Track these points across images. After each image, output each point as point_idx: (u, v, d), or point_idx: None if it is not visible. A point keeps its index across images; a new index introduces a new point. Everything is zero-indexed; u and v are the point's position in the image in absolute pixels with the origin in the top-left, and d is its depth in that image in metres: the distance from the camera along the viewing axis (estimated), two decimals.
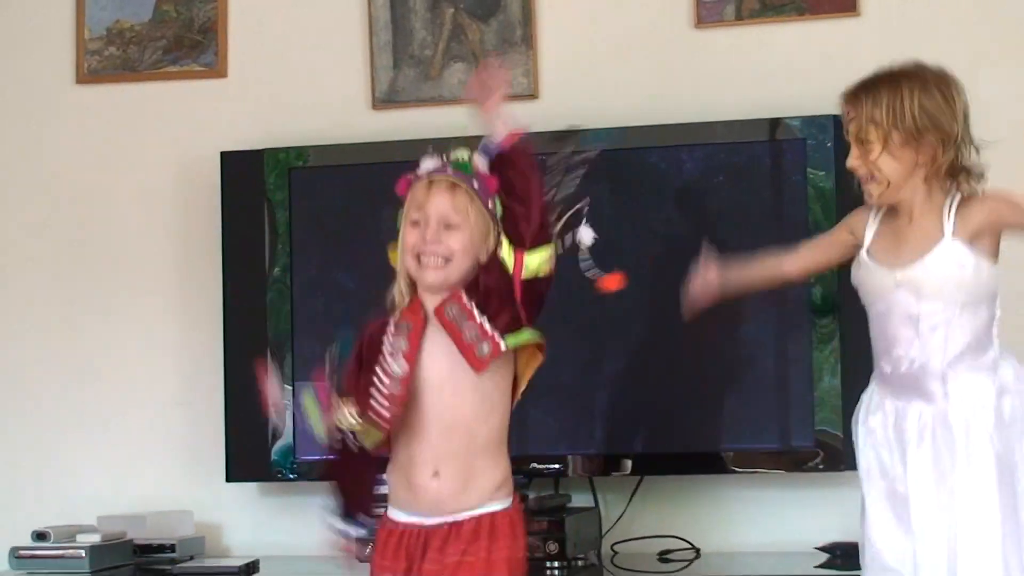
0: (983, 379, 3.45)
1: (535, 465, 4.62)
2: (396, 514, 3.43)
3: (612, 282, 3.45)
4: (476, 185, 3.33)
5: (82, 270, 5.27)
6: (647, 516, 4.73)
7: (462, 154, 3.34)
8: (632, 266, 4.36)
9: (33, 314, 5.32)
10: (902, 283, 3.43)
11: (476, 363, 3.28)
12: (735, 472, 4.65)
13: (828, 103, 4.25)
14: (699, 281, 3.72)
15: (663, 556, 4.60)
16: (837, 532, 4.41)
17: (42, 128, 5.35)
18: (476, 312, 3.32)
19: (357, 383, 3.41)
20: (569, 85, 4.90)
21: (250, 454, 4.87)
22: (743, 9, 4.80)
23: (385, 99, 5.02)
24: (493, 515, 3.33)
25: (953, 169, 3.42)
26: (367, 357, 3.42)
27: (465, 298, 3.36)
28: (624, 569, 4.51)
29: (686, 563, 4.54)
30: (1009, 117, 4.49)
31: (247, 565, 4.63)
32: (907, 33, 4.71)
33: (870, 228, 3.57)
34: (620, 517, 4.71)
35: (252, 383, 4.35)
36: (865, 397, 3.64)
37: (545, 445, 4.69)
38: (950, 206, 3.42)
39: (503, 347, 3.29)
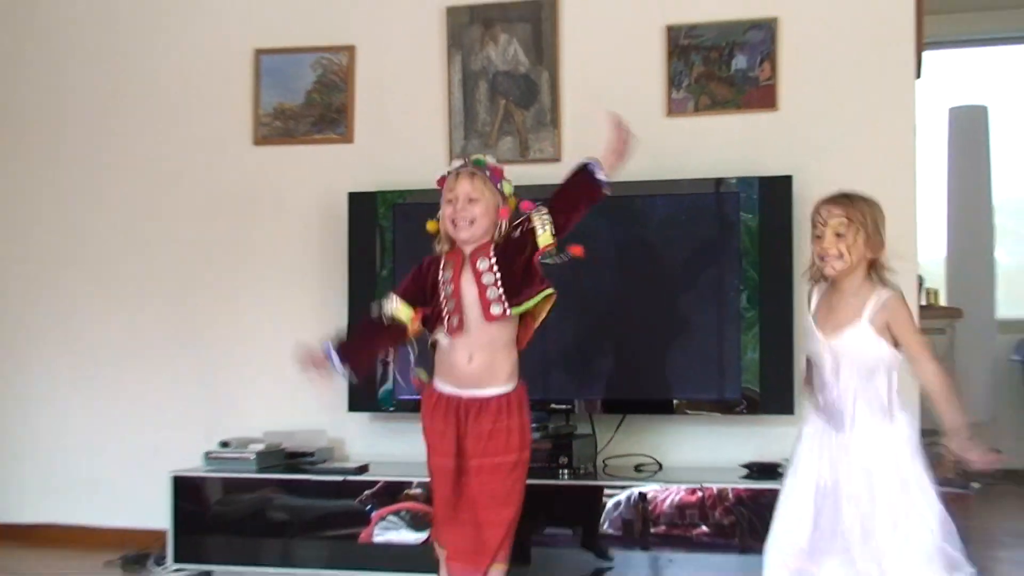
0: (881, 426, 3.50)
1: (553, 406, 4.78)
2: (441, 387, 3.69)
3: (576, 250, 3.67)
4: (488, 174, 3.65)
5: (255, 268, 5.43)
6: (627, 441, 4.89)
7: (479, 155, 3.71)
8: (625, 270, 4.76)
9: (222, 300, 5.47)
10: (829, 348, 3.51)
11: (488, 316, 3.58)
12: (687, 414, 4.79)
13: (755, 169, 4.67)
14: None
15: (637, 467, 4.77)
16: (754, 456, 4.62)
17: (229, 175, 5.48)
18: (498, 277, 3.59)
19: (406, 290, 3.73)
20: (581, 152, 4.43)
21: (364, 393, 4.95)
22: (699, 104, 4.95)
23: (458, 159, 4.90)
24: (508, 395, 3.64)
25: (881, 277, 3.51)
26: (422, 280, 3.70)
27: (493, 258, 3.61)
28: (611, 476, 4.65)
29: (653, 472, 4.71)
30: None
31: (360, 467, 4.82)
32: (808, 123, 4.86)
33: (814, 301, 3.61)
34: (609, 441, 4.87)
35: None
36: (811, 414, 3.64)
37: (560, 393, 4.81)
38: (875, 299, 3.47)
39: (509, 313, 3.59)
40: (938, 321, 7.39)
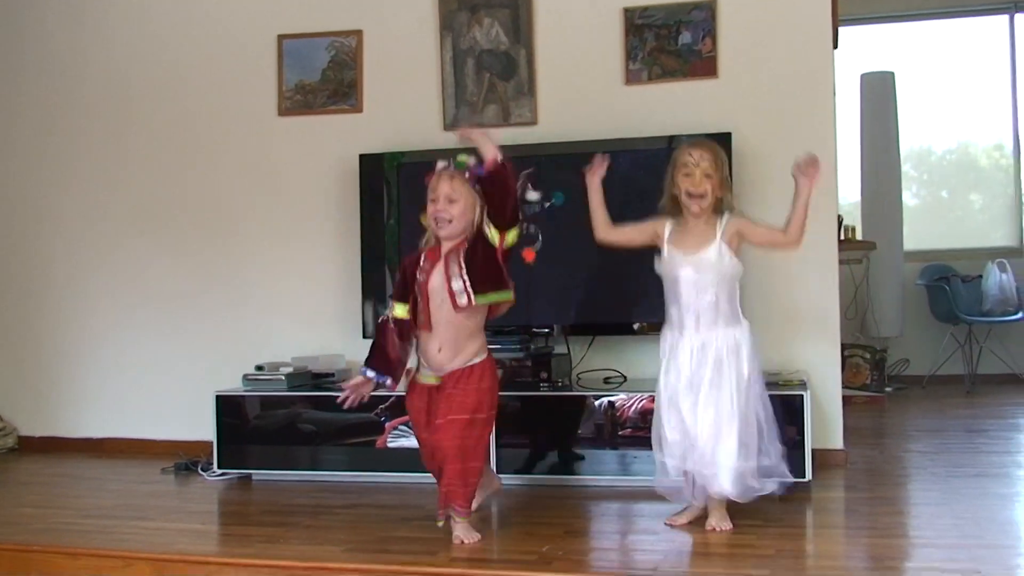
0: (729, 328, 3.58)
1: (534, 329, 4.77)
2: (420, 378, 3.68)
3: (528, 255, 3.69)
4: (468, 176, 3.54)
5: (281, 219, 5.38)
6: (597, 358, 4.88)
7: (462, 158, 3.58)
8: (561, 192, 4.71)
9: (254, 247, 5.44)
10: (690, 263, 3.58)
11: (456, 306, 3.53)
12: (647, 334, 4.67)
13: (700, 128, 4.64)
14: (591, 174, 3.77)
15: (606, 380, 4.77)
16: None
17: (259, 141, 5.44)
18: (464, 272, 3.51)
19: (397, 290, 3.67)
20: (554, 117, 4.98)
21: (377, 323, 4.74)
22: (652, 74, 4.90)
23: (450, 125, 5.08)
24: (472, 366, 3.58)
25: (727, 204, 3.62)
26: (405, 278, 3.64)
27: (463, 258, 3.54)
28: (584, 387, 4.64)
29: (619, 384, 4.70)
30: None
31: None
32: (743, 89, 4.82)
33: (667, 232, 3.67)
34: (582, 358, 4.87)
35: (379, 282, 4.69)
36: (664, 331, 3.72)
37: (541, 317, 4.77)
38: (721, 222, 3.58)
39: (474, 302, 3.53)
40: (855, 252, 7.42)
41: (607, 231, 3.82)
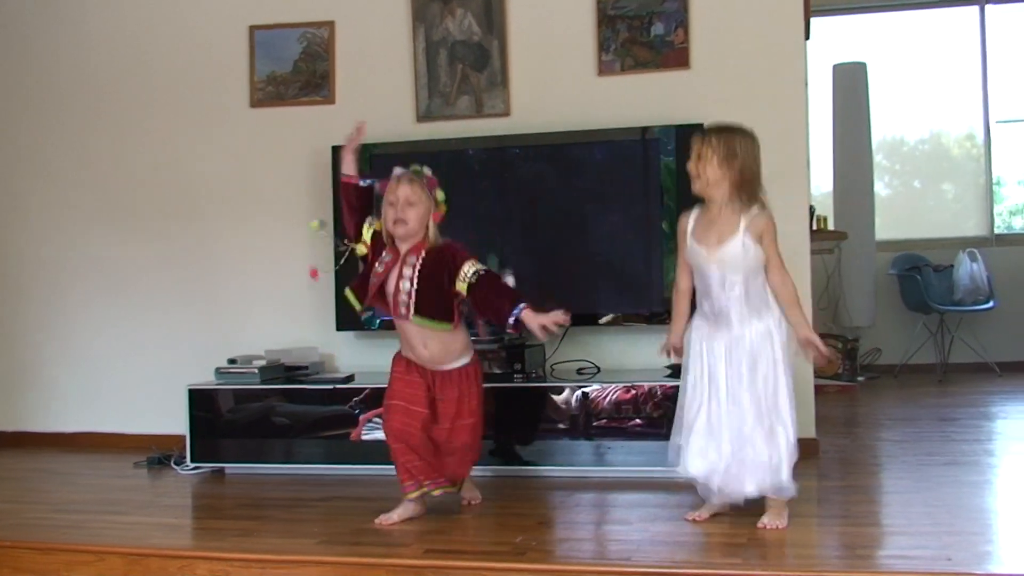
0: (762, 320, 3.52)
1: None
2: (409, 355, 3.76)
3: (313, 273, 3.91)
4: (424, 182, 3.65)
5: (255, 211, 5.36)
6: (570, 349, 4.85)
7: (417, 167, 3.70)
8: (568, 207, 4.76)
9: (228, 239, 5.41)
10: (715, 260, 3.51)
11: (395, 313, 3.68)
12: (620, 324, 4.79)
13: (672, 119, 4.67)
14: (673, 346, 3.71)
15: (579, 371, 4.75)
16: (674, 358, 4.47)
17: (232, 132, 5.41)
18: (415, 284, 3.62)
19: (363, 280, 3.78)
20: (527, 108, 4.98)
21: (350, 315, 4.56)
22: (625, 65, 4.91)
23: (423, 116, 5.11)
24: (467, 367, 3.78)
25: (751, 196, 3.50)
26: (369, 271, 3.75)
27: (419, 265, 3.64)
28: (557, 378, 4.63)
29: (592, 375, 4.68)
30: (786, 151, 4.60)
31: (347, 376, 4.78)
32: (716, 80, 4.84)
33: (691, 223, 3.59)
34: (556, 350, 4.82)
35: (352, 275, 4.71)
36: (695, 320, 3.65)
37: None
38: (746, 216, 3.48)
39: (411, 319, 3.64)
40: (827, 242, 7.46)
41: (688, 288, 3.70)
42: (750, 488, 3.49)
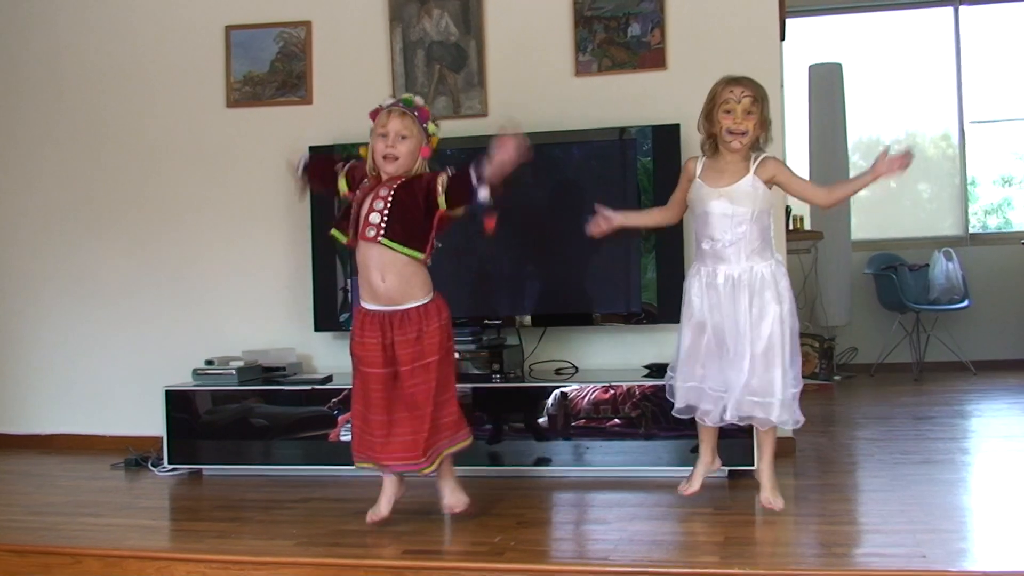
0: (764, 262, 3.54)
1: (486, 321, 4.77)
2: (366, 305, 3.58)
3: (489, 224, 3.46)
4: (416, 114, 3.55)
5: (231, 213, 5.33)
6: (548, 349, 4.89)
7: (408, 96, 3.63)
8: (546, 207, 4.74)
9: (203, 241, 5.37)
10: (723, 195, 3.51)
11: (362, 236, 3.52)
12: (598, 325, 4.80)
13: (649, 119, 4.68)
14: (600, 219, 3.73)
15: (557, 371, 4.77)
16: (653, 358, 4.61)
17: (207, 133, 5.37)
18: (388, 207, 3.50)
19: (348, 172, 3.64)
20: (504, 109, 4.90)
21: (327, 316, 4.98)
22: (602, 66, 4.92)
23: None
24: (426, 305, 3.56)
25: (765, 140, 3.57)
26: (354, 179, 3.63)
27: (393, 192, 3.51)
28: (535, 378, 4.67)
29: (571, 375, 4.71)
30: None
31: (325, 377, 4.77)
32: (692, 80, 4.58)
33: (699, 167, 3.59)
34: (533, 350, 4.87)
35: (330, 276, 4.69)
36: (694, 264, 3.66)
37: (493, 310, 4.81)
38: (755, 160, 3.53)
39: (379, 240, 3.48)
40: (804, 242, 7.50)
41: (666, 216, 3.79)
42: (774, 416, 3.53)
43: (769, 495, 3.64)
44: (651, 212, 3.93)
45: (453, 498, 3.72)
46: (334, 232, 3.68)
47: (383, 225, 3.51)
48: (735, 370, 3.54)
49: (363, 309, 3.62)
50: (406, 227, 3.53)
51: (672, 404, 3.73)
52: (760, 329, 3.52)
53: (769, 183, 3.56)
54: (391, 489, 3.69)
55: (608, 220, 3.72)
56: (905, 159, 3.37)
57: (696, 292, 3.63)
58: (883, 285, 8.16)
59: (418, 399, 3.54)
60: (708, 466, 3.81)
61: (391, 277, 3.53)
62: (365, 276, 3.59)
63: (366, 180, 3.63)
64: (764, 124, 3.55)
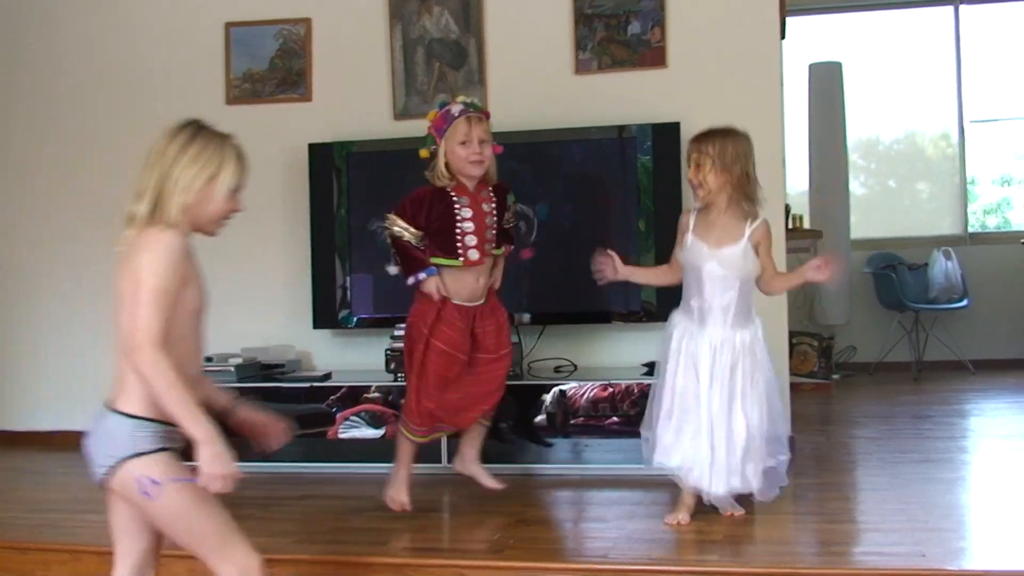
0: (746, 329, 3.55)
1: None
2: (455, 300, 3.75)
3: (526, 254, 3.89)
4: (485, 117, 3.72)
5: None
6: (548, 347, 4.88)
7: (475, 100, 3.78)
8: (543, 202, 4.74)
9: (204, 238, 5.49)
10: (715, 257, 3.52)
11: (481, 253, 3.72)
12: (597, 323, 4.83)
13: (649, 117, 4.68)
14: (608, 268, 3.70)
15: (556, 369, 4.77)
16: (652, 356, 4.39)
17: None
18: (495, 221, 3.79)
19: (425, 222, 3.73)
20: (504, 106, 4.86)
21: (326, 313, 4.98)
22: (602, 64, 4.92)
23: (400, 114, 5.10)
24: (496, 301, 3.91)
25: (750, 197, 3.53)
26: (433, 210, 3.72)
27: (494, 201, 3.79)
28: (535, 376, 4.69)
29: (570, 372, 4.70)
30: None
31: (324, 375, 4.80)
32: (692, 79, 4.85)
33: (691, 222, 3.59)
34: (533, 347, 4.86)
35: (329, 273, 4.70)
36: (676, 316, 3.65)
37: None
38: (750, 223, 3.53)
39: (493, 252, 3.80)
40: (803, 241, 7.48)
41: (670, 277, 3.77)
42: (717, 488, 3.52)
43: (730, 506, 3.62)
44: (656, 270, 3.93)
45: (491, 480, 3.97)
46: (443, 261, 3.76)
47: (492, 239, 3.81)
48: (708, 447, 3.54)
49: (449, 303, 3.77)
50: (500, 233, 3.87)
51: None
52: (747, 396, 3.53)
53: (755, 247, 3.58)
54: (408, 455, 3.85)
55: (615, 271, 3.73)
56: (835, 266, 3.51)
57: (678, 343, 3.63)
58: (882, 284, 8.15)
59: (492, 386, 3.85)
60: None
61: (483, 277, 3.83)
62: (462, 280, 3.78)
63: (455, 196, 3.74)
64: (741, 180, 3.53)
